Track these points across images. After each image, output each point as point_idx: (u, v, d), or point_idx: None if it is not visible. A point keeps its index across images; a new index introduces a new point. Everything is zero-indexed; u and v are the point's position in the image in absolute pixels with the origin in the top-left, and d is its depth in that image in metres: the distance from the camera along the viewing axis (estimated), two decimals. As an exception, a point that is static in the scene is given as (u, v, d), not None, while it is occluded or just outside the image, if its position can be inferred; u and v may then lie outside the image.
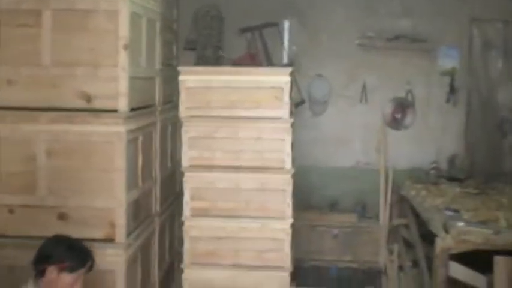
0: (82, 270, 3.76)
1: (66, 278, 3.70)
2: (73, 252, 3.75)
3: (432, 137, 7.52)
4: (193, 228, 4.96)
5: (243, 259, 4.95)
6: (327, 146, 7.48)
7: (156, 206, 5.75)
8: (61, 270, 3.69)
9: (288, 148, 4.91)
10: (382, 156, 7.09)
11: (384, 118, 7.44)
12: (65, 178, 4.64)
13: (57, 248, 3.76)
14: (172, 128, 6.40)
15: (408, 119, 7.51)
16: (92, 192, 4.63)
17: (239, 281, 4.93)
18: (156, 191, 5.74)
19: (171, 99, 6.19)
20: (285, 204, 4.91)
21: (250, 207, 4.93)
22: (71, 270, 3.70)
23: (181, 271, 5.06)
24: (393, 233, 7.00)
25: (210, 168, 4.95)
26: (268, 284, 4.84)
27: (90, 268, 3.83)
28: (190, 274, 4.97)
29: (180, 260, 5.28)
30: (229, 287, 4.94)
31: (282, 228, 4.91)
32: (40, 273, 3.74)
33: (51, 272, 3.69)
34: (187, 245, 4.98)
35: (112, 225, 4.64)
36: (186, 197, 4.96)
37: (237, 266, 4.95)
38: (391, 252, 6.84)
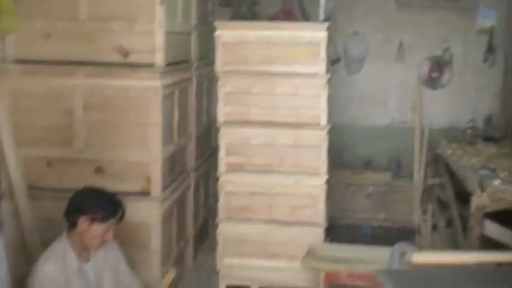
0: (113, 220, 3.80)
1: (98, 228, 3.75)
2: (103, 203, 3.78)
3: (468, 97, 7.44)
4: (228, 183, 4.98)
5: (277, 214, 4.97)
6: (362, 105, 7.45)
7: (191, 162, 5.80)
8: (92, 220, 3.73)
9: (323, 104, 4.88)
10: (418, 115, 7.01)
11: (420, 77, 7.36)
12: (101, 132, 4.69)
13: (88, 199, 3.80)
14: (208, 84, 6.41)
15: (445, 78, 7.43)
16: (128, 146, 4.68)
17: (273, 236, 4.95)
18: (191, 147, 5.78)
19: (207, 55, 6.18)
20: (320, 161, 4.90)
21: (285, 163, 4.93)
22: (102, 220, 3.74)
23: (216, 226, 5.10)
24: (427, 192, 6.95)
25: (245, 123, 4.95)
26: (302, 240, 4.85)
27: (121, 218, 3.86)
28: (224, 229, 5.00)
29: (215, 216, 5.32)
30: (263, 242, 4.97)
31: (317, 184, 4.90)
32: (72, 224, 3.79)
33: (83, 222, 3.74)
34: (222, 200, 5.00)
35: (148, 179, 4.69)
36: (221, 153, 4.97)
37: (271, 221, 4.97)
38: (425, 211, 6.81)
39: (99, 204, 3.76)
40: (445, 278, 3.15)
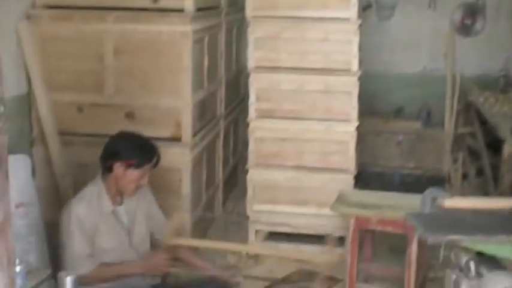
0: (148, 166, 3.80)
1: (133, 173, 3.76)
2: (139, 149, 3.77)
3: (502, 45, 7.30)
4: (258, 129, 4.97)
5: (307, 161, 4.96)
6: (393, 52, 7.34)
7: (221, 108, 5.80)
8: (127, 166, 3.73)
9: (355, 50, 4.83)
10: (450, 62, 6.92)
11: (452, 24, 7.23)
12: (132, 77, 4.69)
13: (124, 144, 3.80)
14: (237, 30, 6.37)
15: (478, 25, 7.29)
16: (159, 92, 4.68)
17: (303, 182, 4.95)
18: (221, 93, 5.78)
19: (237, 1, 6.14)
20: (351, 107, 4.86)
21: (316, 109, 4.90)
22: (137, 166, 3.75)
23: (246, 172, 5.10)
24: (458, 140, 6.90)
25: (275, 69, 4.91)
26: (332, 186, 4.84)
27: (156, 164, 3.87)
28: (254, 175, 5.01)
29: (244, 164, 5.33)
30: (292, 188, 4.97)
31: (347, 131, 4.88)
32: (107, 169, 3.80)
33: (118, 168, 3.75)
34: (251, 146, 5.00)
35: (178, 124, 4.70)
36: (252, 98, 4.95)
37: (300, 168, 4.97)
38: (455, 160, 6.77)
39: (134, 150, 3.75)
40: (477, 222, 3.14)
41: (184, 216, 3.92)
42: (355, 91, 4.84)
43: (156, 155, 3.85)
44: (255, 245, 4.72)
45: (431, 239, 2.90)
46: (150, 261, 3.79)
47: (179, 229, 3.78)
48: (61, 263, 3.78)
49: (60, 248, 3.75)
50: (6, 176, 1.99)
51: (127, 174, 3.75)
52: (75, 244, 3.69)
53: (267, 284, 4.45)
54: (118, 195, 3.86)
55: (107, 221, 3.79)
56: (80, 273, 3.64)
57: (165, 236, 3.80)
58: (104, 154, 3.82)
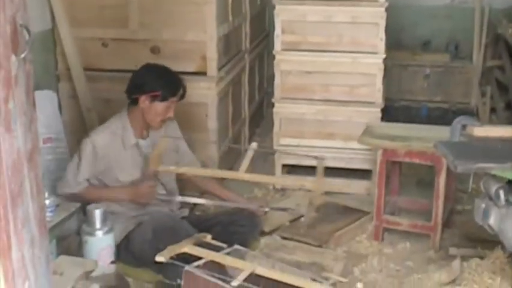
0: (174, 99, 3.80)
1: (158, 106, 3.76)
2: (165, 82, 3.78)
3: (532, -25, 7.12)
4: (284, 62, 4.91)
5: (334, 94, 4.91)
6: (420, -17, 7.19)
7: (246, 43, 5.75)
8: (153, 99, 3.74)
9: (382, -20, 4.73)
10: (479, -7, 6.80)
11: (481, -46, 7.06)
12: (156, 11, 4.64)
13: (149, 77, 3.80)
14: (262, -37, 6.28)
15: (508, -45, 7.11)
16: (184, 25, 4.64)
17: (330, 115, 4.91)
18: (246, 27, 5.72)
19: None
20: (378, 39, 4.78)
21: (342, 41, 4.82)
22: (163, 99, 3.75)
23: (272, 107, 5.07)
24: (486, 74, 6.81)
25: (301, 0, 4.82)
26: (358, 119, 4.80)
27: (182, 97, 3.87)
28: (280, 108, 4.97)
29: (270, 99, 5.30)
30: (319, 121, 4.94)
31: (374, 62, 4.80)
32: (133, 101, 3.81)
33: (144, 101, 3.76)
34: (277, 80, 4.95)
35: (203, 58, 4.67)
36: (277, 30, 4.88)
37: (327, 101, 4.92)
38: (483, 93, 6.70)
39: (160, 82, 3.76)
40: (507, 151, 3.11)
41: (166, 141, 3.91)
42: (382, 22, 4.75)
43: (182, 87, 3.84)
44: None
45: (460, 167, 2.87)
46: (136, 188, 3.81)
47: (163, 155, 3.79)
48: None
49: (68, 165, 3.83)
50: (33, 105, 1.98)
51: (152, 107, 3.75)
52: (79, 167, 3.75)
53: (294, 216, 4.45)
54: (144, 129, 3.87)
55: (128, 154, 3.81)
56: (68, 191, 3.71)
57: (150, 162, 3.80)
58: (129, 87, 3.83)
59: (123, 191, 3.85)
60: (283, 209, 4.38)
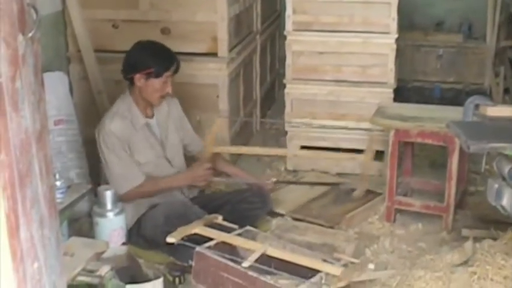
0: (168, 74, 3.80)
1: (154, 83, 3.77)
2: (156, 58, 3.78)
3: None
4: (295, 42, 4.87)
5: (346, 74, 4.87)
6: (433, -37, 7.11)
7: (257, 24, 5.72)
8: (148, 76, 3.75)
9: (394, -42, 4.68)
10: (493, -27, 6.72)
11: None
12: (166, -8, 4.62)
13: (141, 55, 3.81)
14: None
15: None
16: (194, 6, 4.62)
17: (342, 96, 4.88)
18: (257, 8, 5.69)
19: None
20: (390, 19, 4.73)
21: (354, 21, 4.78)
22: (157, 75, 3.77)
23: (283, 88, 5.04)
24: (500, 54, 6.75)
25: (312, -20, 4.80)
26: (371, 100, 4.76)
27: (176, 70, 3.86)
28: (292, 89, 4.94)
29: (281, 81, 5.27)
30: (331, 101, 4.91)
31: (387, 42, 4.76)
32: (130, 81, 3.82)
33: (139, 79, 3.77)
34: (288, 60, 4.92)
35: (214, 39, 4.65)
36: (288, 11, 4.83)
37: (339, 81, 4.89)
38: (497, 74, 6.64)
39: (151, 59, 3.77)
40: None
41: (223, 121, 3.92)
42: (395, 2, 4.70)
43: (174, 61, 3.84)
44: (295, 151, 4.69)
45: (473, 147, 2.84)
46: (194, 172, 3.83)
47: (217, 136, 3.80)
48: (105, 181, 3.83)
49: (104, 166, 3.78)
50: (42, 85, 1.97)
51: (148, 84, 3.77)
52: (119, 161, 3.73)
53: (306, 198, 4.44)
54: (148, 108, 3.87)
55: (140, 134, 3.81)
56: (130, 186, 3.70)
57: (206, 145, 3.82)
58: (124, 67, 3.87)
59: (181, 177, 3.89)
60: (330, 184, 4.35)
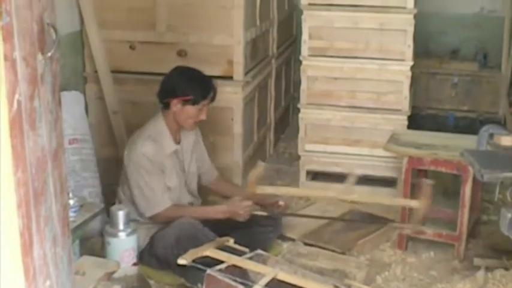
0: (205, 102, 3.80)
1: (191, 109, 3.77)
2: (196, 85, 3.77)
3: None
4: (310, 67, 4.89)
5: (360, 101, 4.88)
6: (449, -8, 7.12)
7: (273, 48, 5.75)
8: (185, 102, 3.74)
9: (410, -13, 4.70)
10: (509, 3, 6.73)
11: (512, -37, 6.99)
12: (184, 14, 4.66)
13: (180, 81, 3.79)
14: (290, -31, 6.28)
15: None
16: (211, 29, 4.65)
17: (356, 122, 4.88)
18: (273, 32, 5.72)
19: None
20: (406, 46, 4.74)
21: (369, 48, 4.79)
22: (194, 102, 3.75)
23: (298, 112, 5.06)
24: (515, 83, 6.74)
25: (329, 6, 4.80)
26: (385, 127, 4.77)
27: (213, 99, 3.87)
28: (306, 114, 4.95)
29: (296, 105, 5.28)
30: (345, 127, 4.91)
31: (402, 70, 4.76)
32: (165, 105, 3.81)
33: (175, 104, 3.76)
34: (303, 85, 4.94)
35: (230, 62, 4.67)
36: (304, 36, 4.86)
37: (353, 108, 4.90)
38: (511, 103, 6.62)
39: (190, 86, 3.75)
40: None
41: (264, 166, 3.94)
42: (410, 29, 4.72)
43: (212, 89, 3.84)
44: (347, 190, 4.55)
45: (487, 176, 2.84)
46: (235, 207, 3.80)
47: (260, 177, 3.78)
48: (120, 200, 3.82)
49: (132, 188, 3.76)
50: (59, 103, 1.99)
51: (184, 110, 3.76)
52: (152, 183, 3.72)
53: (318, 223, 4.43)
54: (178, 133, 3.88)
55: (170, 160, 3.83)
56: (158, 210, 3.70)
57: (248, 186, 3.81)
58: (161, 91, 3.83)
59: (220, 210, 3.84)
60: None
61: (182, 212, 3.77)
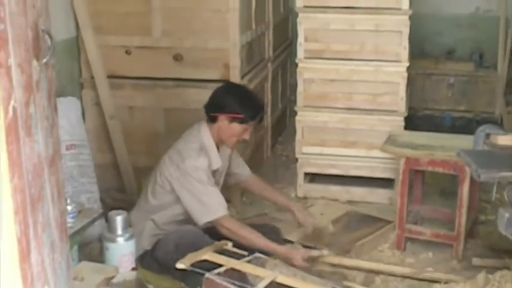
0: (252, 123, 3.79)
1: (237, 128, 3.74)
2: (246, 105, 3.73)
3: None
4: (307, 70, 4.90)
5: (357, 102, 4.88)
6: (445, -8, 7.14)
7: (269, 51, 5.75)
8: (232, 120, 3.72)
9: (405, -13, 4.70)
10: (504, 3, 6.75)
11: (506, -38, 7.01)
12: (179, 19, 4.67)
13: (232, 98, 3.75)
14: (285, -29, 6.29)
15: (533, -36, 7.06)
16: (207, 33, 4.65)
17: (352, 123, 4.89)
18: (269, 36, 5.72)
19: None
20: (401, 47, 4.75)
21: (365, 49, 4.80)
22: (243, 121, 3.72)
23: (294, 115, 5.06)
24: (511, 83, 6.76)
25: (324, 9, 4.81)
26: (381, 128, 4.78)
27: (260, 121, 3.87)
28: (303, 116, 4.96)
29: (292, 108, 5.29)
30: (342, 129, 4.92)
31: (398, 71, 4.77)
32: (211, 119, 3.78)
33: (223, 120, 3.73)
34: (300, 88, 4.94)
35: (226, 66, 4.68)
36: (300, 39, 4.86)
37: (350, 109, 4.90)
38: (508, 102, 6.65)
39: (241, 105, 3.72)
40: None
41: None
42: (406, 30, 4.72)
43: (262, 112, 3.83)
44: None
45: (484, 176, 2.85)
46: (293, 255, 3.72)
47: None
48: (190, 213, 3.74)
49: (187, 198, 3.69)
50: (55, 110, 1.99)
51: (230, 128, 3.73)
52: (210, 192, 3.68)
53: (318, 224, 4.43)
54: (219, 146, 3.85)
55: (214, 173, 3.80)
56: (210, 218, 3.69)
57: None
58: (209, 104, 3.80)
59: (280, 250, 3.75)
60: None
61: (242, 232, 3.69)
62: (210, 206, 3.68)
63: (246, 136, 3.79)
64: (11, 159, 1.67)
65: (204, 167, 3.68)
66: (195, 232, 3.70)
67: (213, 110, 3.76)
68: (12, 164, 1.68)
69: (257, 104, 3.83)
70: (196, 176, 3.66)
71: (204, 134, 3.78)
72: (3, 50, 1.64)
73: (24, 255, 1.73)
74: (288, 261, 3.65)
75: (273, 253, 3.72)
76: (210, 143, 3.77)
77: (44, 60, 1.84)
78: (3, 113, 1.64)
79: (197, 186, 3.67)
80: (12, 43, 1.67)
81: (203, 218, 3.69)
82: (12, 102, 1.67)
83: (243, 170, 4.15)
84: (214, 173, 3.81)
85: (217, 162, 3.80)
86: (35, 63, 1.79)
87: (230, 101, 3.73)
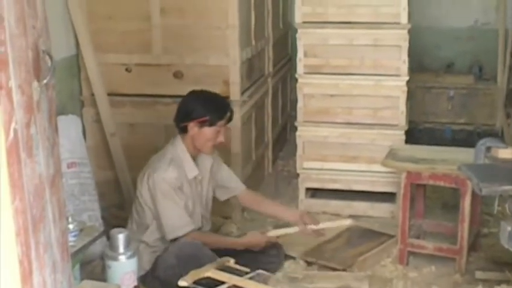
0: (222, 123, 3.80)
1: (208, 132, 3.76)
2: (211, 107, 3.77)
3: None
4: (307, 85, 4.90)
5: (357, 117, 4.88)
6: (442, 5, 7.13)
7: (269, 67, 5.77)
8: (202, 124, 3.74)
9: (404, 2, 4.69)
10: (502, 15, 6.77)
11: (504, -25, 7.03)
12: (179, 36, 4.69)
13: (196, 104, 3.78)
14: (284, -13, 6.31)
15: (531, -24, 7.08)
16: (206, 50, 4.67)
17: (353, 138, 4.89)
18: (269, 51, 5.74)
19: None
20: (401, 61, 4.75)
21: (364, 64, 4.81)
22: (211, 123, 3.75)
23: (295, 130, 5.06)
24: (511, 95, 6.76)
25: (323, 24, 4.82)
26: (382, 142, 4.78)
27: (230, 119, 3.87)
28: (303, 131, 4.96)
29: (293, 123, 5.29)
30: (342, 144, 4.92)
31: (397, 85, 4.77)
32: (182, 129, 3.81)
33: (192, 127, 3.75)
34: (300, 103, 4.94)
35: (226, 82, 4.69)
36: (300, 54, 4.87)
37: (350, 124, 4.90)
38: (508, 115, 6.64)
39: (205, 107, 3.75)
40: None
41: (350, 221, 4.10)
42: (405, 44, 4.73)
43: (229, 110, 3.84)
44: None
45: (485, 189, 2.84)
46: (253, 242, 3.84)
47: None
48: (161, 228, 3.78)
49: (158, 211, 3.74)
50: (56, 130, 2.00)
51: (202, 133, 3.75)
52: (172, 207, 3.71)
53: (318, 241, 4.42)
54: (196, 156, 3.87)
55: (189, 185, 3.81)
56: (178, 234, 3.72)
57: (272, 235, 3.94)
58: (177, 116, 3.83)
59: (241, 241, 3.88)
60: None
61: (205, 239, 3.76)
62: (174, 224, 3.72)
63: (221, 138, 3.81)
64: (12, 181, 1.68)
65: (172, 180, 3.70)
66: (193, 244, 3.70)
67: (181, 120, 3.79)
68: (14, 185, 1.68)
69: (221, 104, 3.84)
70: (162, 189, 3.69)
71: (178, 146, 3.80)
72: (4, 72, 1.64)
73: (26, 277, 1.73)
74: (256, 247, 3.82)
75: (239, 247, 3.81)
76: (183, 153, 3.79)
77: (45, 81, 1.84)
78: (4, 135, 1.64)
79: (164, 201, 3.71)
80: (12, 65, 1.68)
81: (169, 234, 3.74)
82: (13, 124, 1.67)
83: (236, 185, 4.15)
84: (191, 182, 3.83)
85: (192, 170, 3.81)
86: (35, 84, 1.80)
87: (194, 106, 3.76)
